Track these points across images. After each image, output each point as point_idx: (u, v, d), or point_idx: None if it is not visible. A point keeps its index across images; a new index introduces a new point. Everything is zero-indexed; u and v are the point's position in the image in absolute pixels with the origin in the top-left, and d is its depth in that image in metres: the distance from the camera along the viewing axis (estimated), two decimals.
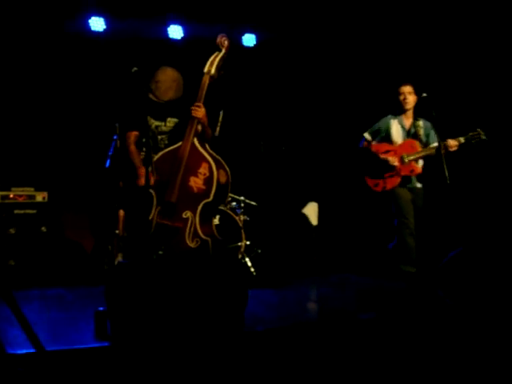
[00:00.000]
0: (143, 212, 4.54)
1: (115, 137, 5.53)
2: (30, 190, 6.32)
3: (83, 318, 4.46)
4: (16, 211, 6.19)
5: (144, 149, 4.76)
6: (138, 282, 3.82)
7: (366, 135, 6.12)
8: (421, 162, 5.99)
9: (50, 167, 6.85)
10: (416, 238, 5.87)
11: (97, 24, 6.93)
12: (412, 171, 5.92)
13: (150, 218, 4.47)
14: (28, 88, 6.88)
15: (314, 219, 7.40)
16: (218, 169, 4.45)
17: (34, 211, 6.26)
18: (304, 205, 7.46)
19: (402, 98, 5.96)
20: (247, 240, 6.14)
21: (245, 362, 3.71)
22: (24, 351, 3.39)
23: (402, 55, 7.27)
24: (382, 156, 5.94)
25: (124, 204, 5.30)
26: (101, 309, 3.93)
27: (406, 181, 5.95)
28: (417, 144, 5.95)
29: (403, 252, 5.83)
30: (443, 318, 4.31)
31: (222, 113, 5.88)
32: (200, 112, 4.60)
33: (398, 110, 6.05)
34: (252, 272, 6.03)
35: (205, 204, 4.43)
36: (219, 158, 4.57)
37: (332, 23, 7.48)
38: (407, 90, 5.95)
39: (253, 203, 6.50)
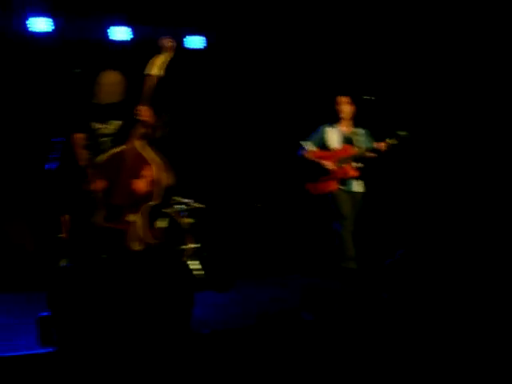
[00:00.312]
0: (87, 215, 4.50)
1: (56, 139, 5.44)
2: None
3: (26, 324, 4.40)
4: None
5: (88, 152, 4.72)
6: (83, 286, 3.78)
7: (303, 143, 6.36)
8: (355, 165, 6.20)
9: None
10: (356, 239, 6.10)
11: (42, 24, 6.81)
12: (345, 174, 6.15)
13: (94, 221, 4.43)
14: None
15: None
16: (161, 171, 4.44)
17: None
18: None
19: (339, 108, 6.25)
20: (196, 243, 6.14)
21: (190, 364, 3.72)
22: None
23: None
24: (317, 161, 6.21)
25: (69, 208, 5.23)
26: (44, 314, 3.87)
27: (343, 184, 6.18)
28: (351, 149, 6.19)
29: (343, 250, 6.03)
30: (382, 315, 4.39)
31: (167, 115, 5.86)
32: (143, 115, 4.58)
33: (336, 119, 6.31)
34: (198, 275, 6.03)
35: (149, 207, 4.41)
36: (163, 160, 4.55)
37: (276, 24, 7.54)
38: (343, 100, 6.24)
39: (200, 206, 6.47)
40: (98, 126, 4.80)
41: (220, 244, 6.89)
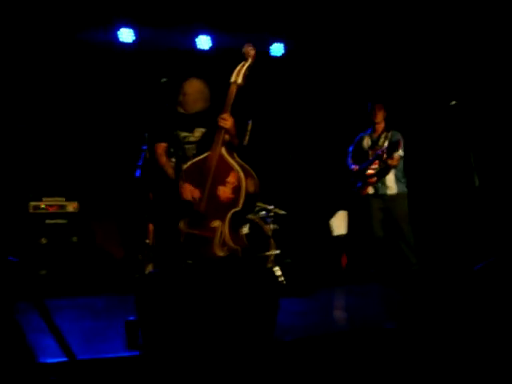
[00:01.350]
0: (172, 222, 4.55)
1: (144, 147, 5.55)
2: (61, 200, 6.40)
3: (114, 328, 4.49)
4: (47, 221, 6.27)
5: (173, 159, 4.77)
6: (169, 291, 3.83)
7: (350, 150, 6.76)
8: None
9: (81, 177, 6.91)
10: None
11: (126, 35, 7.02)
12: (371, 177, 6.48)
13: (180, 227, 4.47)
14: (60, 99, 6.98)
15: (343, 228, 7.39)
16: (246, 178, 4.44)
17: (65, 221, 6.33)
18: (333, 214, 7.43)
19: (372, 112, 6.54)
20: (277, 249, 6.14)
21: (273, 371, 3.71)
22: (56, 360, 3.42)
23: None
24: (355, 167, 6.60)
25: (153, 216, 5.32)
26: (131, 318, 3.95)
27: (375, 186, 6.50)
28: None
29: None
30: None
31: (250, 122, 5.88)
32: (227, 122, 4.59)
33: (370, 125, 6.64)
34: (282, 281, 6.02)
35: (233, 213, 4.42)
36: (247, 166, 4.56)
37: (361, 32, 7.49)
38: (376, 105, 6.51)
39: (282, 212, 6.49)
40: (183, 134, 4.85)
41: (303, 250, 6.87)
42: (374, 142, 6.48)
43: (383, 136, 6.42)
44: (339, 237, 7.29)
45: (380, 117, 6.48)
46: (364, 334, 4.38)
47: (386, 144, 6.35)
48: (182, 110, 4.88)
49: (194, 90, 4.87)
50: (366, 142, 6.60)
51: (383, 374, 3.78)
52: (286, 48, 7.68)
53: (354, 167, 6.59)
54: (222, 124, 4.58)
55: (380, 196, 6.46)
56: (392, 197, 6.43)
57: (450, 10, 6.94)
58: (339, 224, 7.38)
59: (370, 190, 6.49)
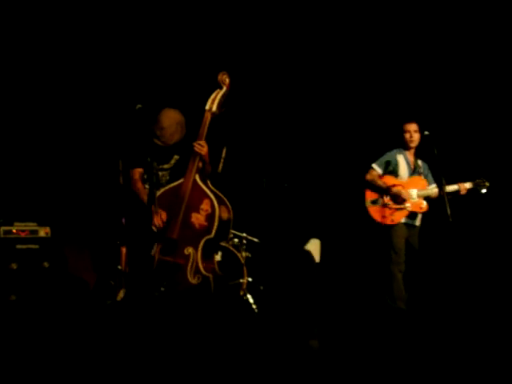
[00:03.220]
0: (145, 248, 4.54)
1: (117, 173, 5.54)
2: (32, 225, 6.33)
3: None
4: (18, 246, 6.20)
5: (146, 185, 4.76)
6: (138, 319, 3.82)
7: (376, 166, 6.01)
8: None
9: (53, 202, 6.85)
10: (406, 276, 5.83)
11: None
12: (421, 208, 5.88)
13: (152, 254, 4.46)
14: (32, 121, 6.94)
15: (316, 256, 7.38)
16: (219, 205, 4.46)
17: (37, 246, 6.27)
18: (306, 241, 7.44)
19: (408, 136, 5.96)
20: (249, 277, 6.14)
21: None
22: None
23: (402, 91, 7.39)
24: (395, 189, 5.85)
25: (126, 241, 5.29)
26: None
27: (410, 217, 5.90)
28: (424, 181, 5.98)
29: (393, 288, 5.76)
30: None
31: (224, 149, 5.92)
32: (203, 149, 4.62)
33: (402, 147, 6.05)
34: (254, 309, 6.01)
35: (206, 240, 4.43)
36: (221, 194, 4.58)
37: (336, 54, 7.57)
38: (413, 128, 5.95)
39: (255, 240, 6.50)
40: (156, 158, 4.82)
41: (276, 278, 6.87)
42: (415, 170, 5.98)
43: (418, 164, 6.00)
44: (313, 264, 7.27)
45: (417, 139, 5.95)
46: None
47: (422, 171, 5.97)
48: (159, 143, 4.84)
49: (171, 123, 4.82)
50: (402, 163, 6.00)
51: None
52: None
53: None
54: (197, 149, 4.60)
55: (409, 226, 5.94)
56: (417, 229, 5.99)
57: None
58: (312, 252, 7.37)
59: (403, 219, 5.90)
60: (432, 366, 4.12)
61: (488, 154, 6.95)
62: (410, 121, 5.98)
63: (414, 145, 5.97)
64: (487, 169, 6.19)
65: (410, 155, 6.04)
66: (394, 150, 6.04)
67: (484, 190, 5.84)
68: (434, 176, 6.05)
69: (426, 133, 5.61)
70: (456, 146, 6.98)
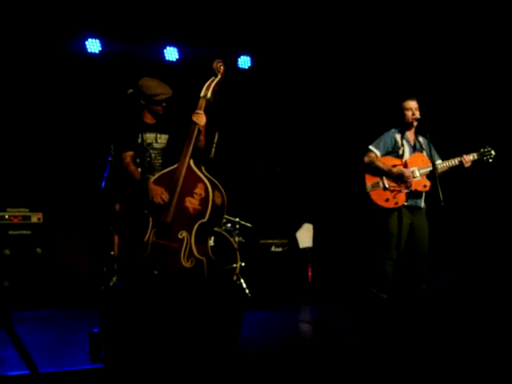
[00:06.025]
0: (138, 233, 4.53)
1: (110, 158, 5.51)
2: (25, 211, 6.33)
3: (77, 340, 4.46)
4: (11, 232, 6.20)
5: (139, 169, 4.75)
6: (133, 304, 3.82)
7: (373, 148, 5.72)
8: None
9: (46, 188, 6.84)
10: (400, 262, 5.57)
11: (93, 46, 7.01)
12: (425, 186, 5.57)
13: (146, 238, 4.47)
14: (23, 109, 6.91)
15: (308, 241, 7.40)
16: (213, 190, 4.46)
17: (29, 232, 6.27)
18: (299, 226, 7.46)
19: (409, 113, 5.64)
20: (242, 261, 6.16)
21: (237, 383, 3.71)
22: (18, 373, 3.38)
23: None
24: (396, 169, 5.61)
25: (119, 227, 5.29)
26: (95, 330, 3.92)
27: (414, 197, 5.61)
28: (425, 158, 5.65)
29: (378, 277, 5.53)
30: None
31: (217, 134, 5.91)
32: (201, 118, 4.59)
33: (400, 125, 5.76)
34: (247, 293, 6.05)
35: (200, 224, 4.43)
36: (214, 180, 4.58)
37: (325, 44, 7.58)
38: (414, 105, 5.66)
39: (248, 225, 6.52)
40: (148, 139, 4.79)
41: (269, 263, 6.90)
42: (415, 147, 5.72)
43: (419, 141, 5.72)
44: (305, 249, 7.30)
45: (418, 117, 5.65)
46: (329, 347, 4.42)
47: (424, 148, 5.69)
48: (154, 109, 4.79)
49: (157, 82, 4.81)
50: (402, 142, 5.72)
51: None
52: (252, 61, 7.76)
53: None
54: (196, 118, 4.57)
55: (412, 208, 5.63)
56: (422, 211, 5.68)
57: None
58: (305, 237, 7.40)
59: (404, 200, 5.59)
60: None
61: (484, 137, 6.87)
62: (411, 98, 5.69)
63: (416, 122, 5.67)
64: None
65: (410, 133, 5.74)
66: (392, 130, 5.76)
67: (491, 160, 5.50)
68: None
69: (418, 117, 5.52)
70: (450, 127, 6.96)
